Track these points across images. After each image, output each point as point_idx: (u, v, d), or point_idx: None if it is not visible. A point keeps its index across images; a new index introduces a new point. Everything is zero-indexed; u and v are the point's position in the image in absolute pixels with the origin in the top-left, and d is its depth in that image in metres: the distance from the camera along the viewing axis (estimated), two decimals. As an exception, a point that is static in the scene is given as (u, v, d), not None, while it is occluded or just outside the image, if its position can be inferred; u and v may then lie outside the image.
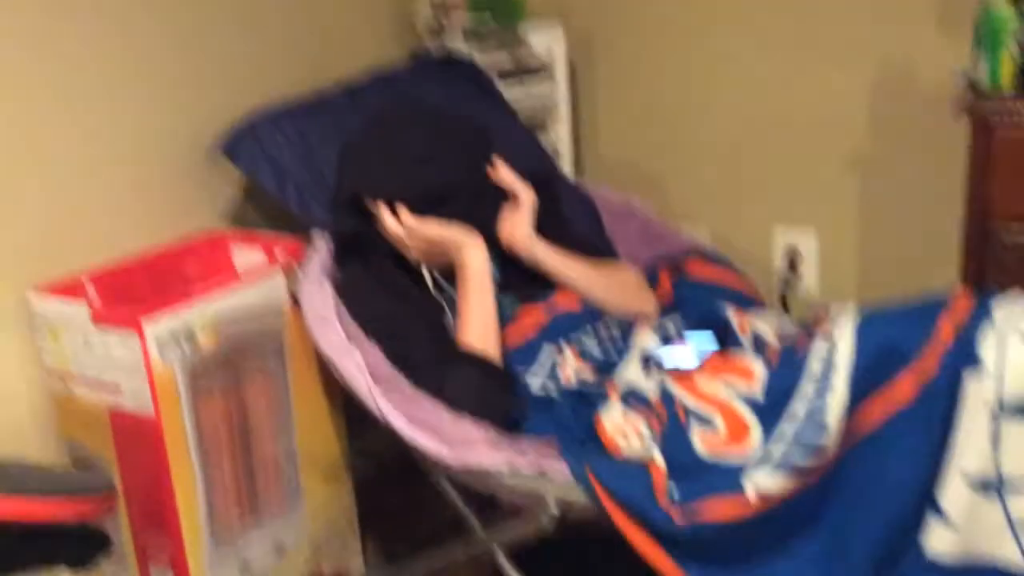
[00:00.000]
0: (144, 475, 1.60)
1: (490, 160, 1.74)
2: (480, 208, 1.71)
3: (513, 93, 2.19)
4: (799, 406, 1.35)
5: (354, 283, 1.71)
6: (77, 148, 1.72)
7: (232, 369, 1.68)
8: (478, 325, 1.63)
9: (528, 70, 2.23)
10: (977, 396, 1.27)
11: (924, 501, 1.30)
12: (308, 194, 1.83)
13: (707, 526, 1.32)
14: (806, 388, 1.36)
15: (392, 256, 1.71)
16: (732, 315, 1.66)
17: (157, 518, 1.62)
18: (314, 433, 1.84)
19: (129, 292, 1.73)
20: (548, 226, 1.79)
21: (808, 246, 2.28)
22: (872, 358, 1.32)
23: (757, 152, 2.29)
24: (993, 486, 1.26)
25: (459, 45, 2.17)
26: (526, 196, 1.73)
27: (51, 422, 1.71)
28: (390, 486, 2.18)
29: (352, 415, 1.89)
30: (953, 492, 1.28)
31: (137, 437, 1.59)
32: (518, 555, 1.65)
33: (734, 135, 2.30)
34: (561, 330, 1.68)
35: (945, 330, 1.31)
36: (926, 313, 1.34)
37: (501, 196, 1.74)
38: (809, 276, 2.30)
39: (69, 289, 1.66)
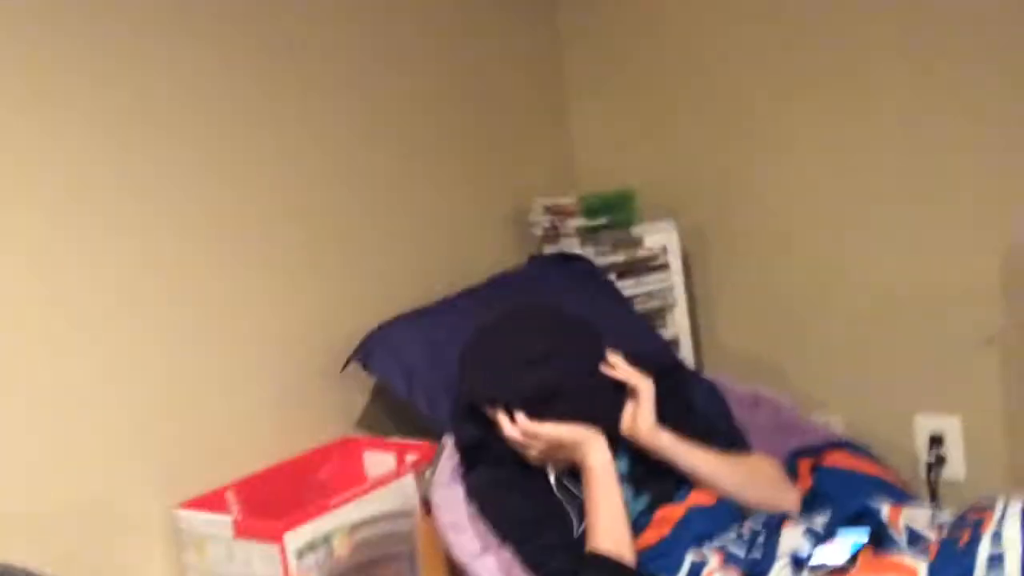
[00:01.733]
0: None
1: (604, 356, 1.74)
2: (599, 405, 1.71)
3: (629, 289, 2.24)
4: None
5: (484, 487, 1.72)
6: (218, 365, 1.83)
7: (367, 574, 1.69)
8: (608, 526, 1.61)
9: (644, 268, 2.28)
10: None
11: None
12: (437, 396, 1.89)
13: None
14: None
15: (517, 462, 1.72)
16: (885, 509, 1.60)
17: None
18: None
19: (268, 502, 1.79)
20: (674, 416, 1.76)
21: (952, 430, 2.19)
22: None
23: (888, 336, 2.22)
24: None
25: (575, 249, 2.24)
26: (645, 387, 1.72)
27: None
28: None
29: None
30: None
31: (276, 648, 1.61)
32: None
33: (861, 319, 2.25)
34: (700, 528, 1.63)
35: None
36: None
37: (620, 391, 1.73)
38: (955, 462, 2.20)
39: (211, 503, 1.73)
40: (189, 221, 1.80)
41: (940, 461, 2.19)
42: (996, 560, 1.29)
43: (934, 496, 2.18)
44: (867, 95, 2.17)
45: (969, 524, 1.41)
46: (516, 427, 1.67)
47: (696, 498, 1.68)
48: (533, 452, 1.69)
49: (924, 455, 2.21)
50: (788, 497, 1.73)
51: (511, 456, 1.71)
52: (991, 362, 2.11)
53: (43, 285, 1.60)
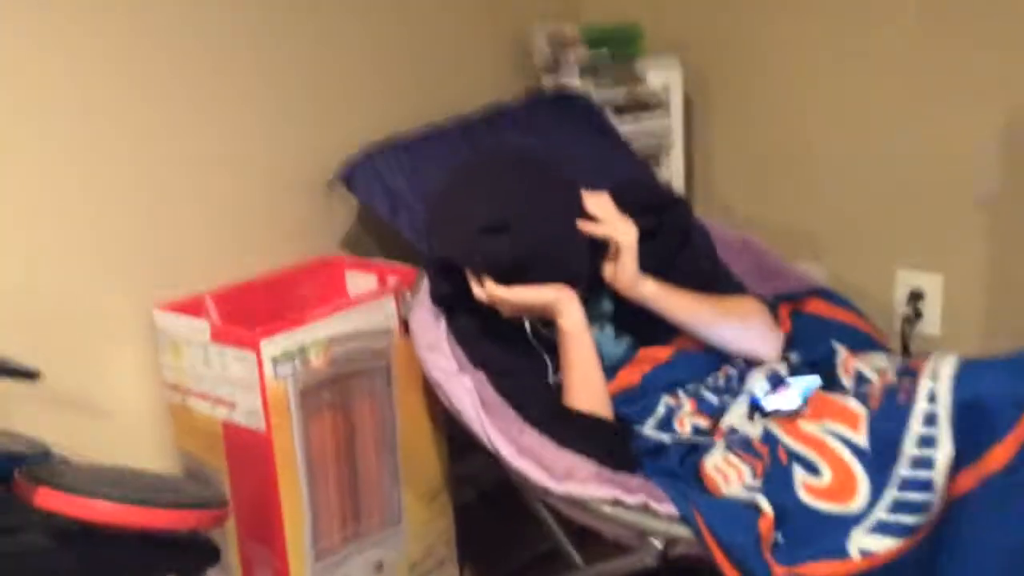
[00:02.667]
0: (253, 488, 1.65)
1: (578, 212, 1.64)
2: (571, 266, 1.63)
3: (628, 128, 2.20)
4: (904, 460, 1.32)
5: (460, 334, 1.71)
6: (205, 179, 1.81)
7: (341, 389, 1.72)
8: (582, 385, 1.60)
9: (644, 105, 2.23)
10: None
11: None
12: (420, 221, 1.87)
13: None
14: (910, 440, 1.32)
15: (493, 310, 1.67)
16: (841, 355, 1.62)
17: (263, 531, 1.67)
18: (417, 456, 1.87)
19: (247, 312, 1.79)
20: (669, 251, 1.74)
21: (933, 288, 2.21)
22: (965, 416, 1.28)
23: (879, 192, 2.23)
24: None
25: (575, 81, 2.19)
26: (627, 241, 1.63)
27: (166, 433, 1.78)
28: (489, 513, 2.19)
29: (454, 441, 1.92)
30: None
31: (248, 451, 1.64)
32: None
33: (855, 174, 2.25)
34: (680, 374, 1.65)
35: None
36: None
37: (599, 247, 1.65)
38: (932, 318, 2.23)
39: (191, 307, 1.73)
40: (178, 40, 1.74)
41: (917, 316, 2.21)
42: (932, 419, 1.30)
43: (906, 350, 2.21)
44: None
45: (911, 377, 1.42)
46: (483, 290, 1.62)
47: (683, 343, 1.69)
48: (504, 311, 1.65)
49: (902, 308, 2.23)
50: (773, 346, 1.72)
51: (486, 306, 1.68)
52: (980, 225, 2.11)
53: (29, 99, 1.57)
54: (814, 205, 2.32)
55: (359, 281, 1.95)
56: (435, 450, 1.91)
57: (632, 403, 1.64)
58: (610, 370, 1.67)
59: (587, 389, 1.60)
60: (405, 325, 1.79)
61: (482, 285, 1.61)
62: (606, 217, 1.64)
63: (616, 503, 1.46)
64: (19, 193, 1.58)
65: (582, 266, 1.63)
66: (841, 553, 1.29)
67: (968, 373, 1.32)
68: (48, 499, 1.13)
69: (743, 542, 1.35)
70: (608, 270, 1.66)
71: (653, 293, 1.66)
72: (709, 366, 1.68)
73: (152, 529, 1.19)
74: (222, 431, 1.67)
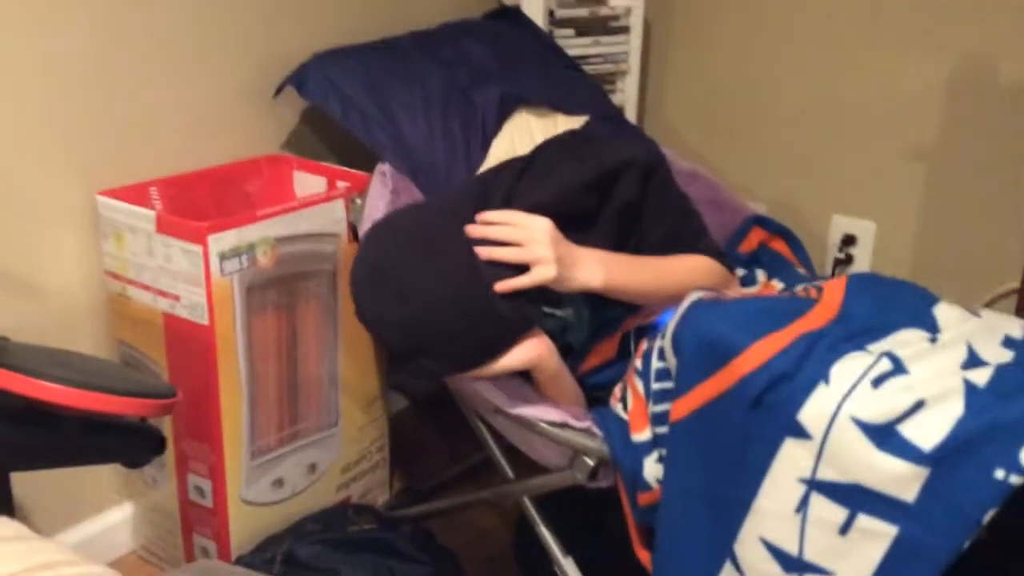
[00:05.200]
0: (192, 383, 1.64)
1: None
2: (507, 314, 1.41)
3: (587, 48, 2.19)
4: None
5: None
6: (154, 61, 1.75)
7: (286, 289, 1.71)
8: (561, 399, 1.55)
9: (604, 27, 2.22)
10: (791, 462, 1.23)
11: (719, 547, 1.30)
12: (373, 123, 1.84)
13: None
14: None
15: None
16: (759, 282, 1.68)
17: (201, 426, 1.66)
18: (357, 362, 1.87)
19: (192, 205, 1.76)
20: (649, 222, 1.63)
21: (865, 233, 2.27)
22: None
23: (822, 135, 2.27)
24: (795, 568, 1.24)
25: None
26: (536, 261, 1.42)
27: (105, 322, 1.76)
28: (422, 422, 2.22)
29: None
30: (751, 555, 1.27)
31: (189, 344, 1.63)
32: (541, 505, 1.67)
33: (800, 116, 2.29)
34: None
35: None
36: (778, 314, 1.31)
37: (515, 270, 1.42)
38: (861, 262, 2.30)
39: (135, 195, 1.69)
40: None
41: (848, 259, 2.28)
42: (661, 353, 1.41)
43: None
44: None
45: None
46: None
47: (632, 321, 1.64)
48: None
49: (834, 251, 2.29)
50: (721, 288, 1.66)
51: None
52: (914, 175, 2.17)
53: None
54: (760, 142, 2.35)
55: (308, 182, 1.92)
56: (374, 359, 1.92)
57: (605, 370, 1.62)
58: (584, 352, 1.64)
59: (564, 399, 1.55)
60: (353, 231, 1.78)
61: None
62: (511, 237, 1.43)
63: (564, 426, 1.48)
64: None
65: (518, 310, 1.42)
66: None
67: (691, 314, 1.36)
68: (6, 381, 1.12)
69: (618, 439, 1.42)
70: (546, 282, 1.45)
71: (601, 288, 1.50)
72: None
73: (104, 414, 1.18)
74: (163, 323, 1.65)
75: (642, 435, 1.39)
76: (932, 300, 1.40)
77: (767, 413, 1.25)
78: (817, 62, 2.24)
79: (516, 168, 1.58)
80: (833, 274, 2.29)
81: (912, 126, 2.16)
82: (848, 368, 1.24)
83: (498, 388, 1.51)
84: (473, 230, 1.42)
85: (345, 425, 1.88)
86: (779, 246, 1.94)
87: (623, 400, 1.46)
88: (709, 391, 1.30)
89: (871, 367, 1.24)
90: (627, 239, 1.61)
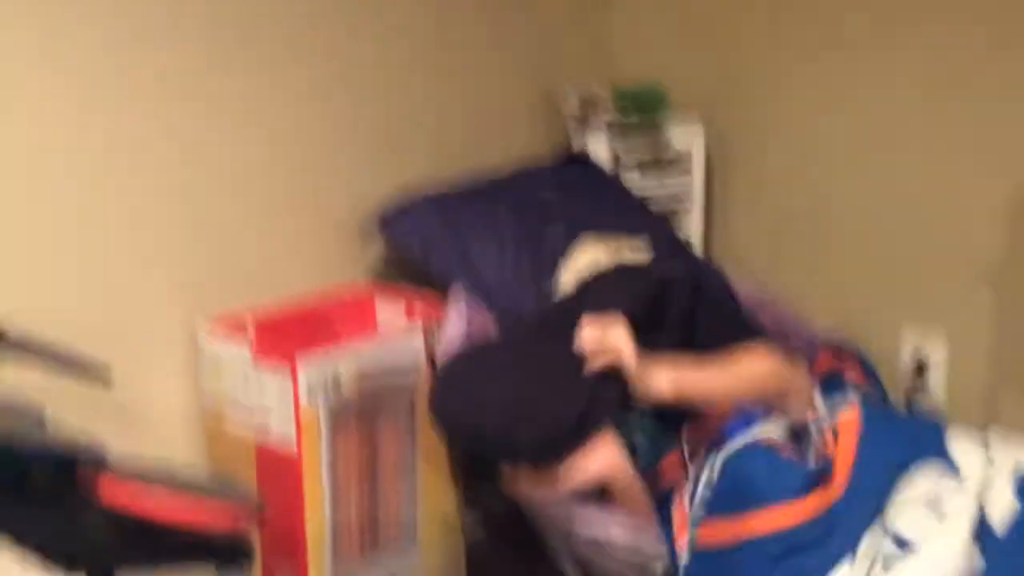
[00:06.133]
0: (280, 504, 1.75)
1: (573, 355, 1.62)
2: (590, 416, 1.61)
3: (650, 184, 2.31)
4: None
5: None
6: (252, 199, 1.94)
7: (368, 417, 1.82)
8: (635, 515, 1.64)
9: (667, 165, 2.34)
10: None
11: None
12: (451, 263, 1.99)
13: None
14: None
15: None
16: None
17: (287, 544, 1.77)
18: (435, 485, 1.96)
19: (283, 334, 1.89)
20: (677, 338, 1.74)
21: (937, 355, 2.27)
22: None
23: (888, 256, 2.30)
24: None
25: (603, 141, 2.30)
26: (621, 356, 1.62)
27: (201, 451, 1.89)
28: (502, 550, 2.25)
29: (472, 478, 2.01)
30: None
31: (278, 469, 1.75)
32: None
33: (865, 237, 2.32)
34: None
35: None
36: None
37: (610, 381, 1.62)
38: (937, 384, 2.29)
39: (231, 326, 1.84)
40: (236, 66, 1.89)
41: (922, 380, 2.28)
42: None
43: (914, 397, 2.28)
44: (895, 28, 2.20)
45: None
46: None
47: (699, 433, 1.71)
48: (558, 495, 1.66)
49: (908, 376, 2.29)
50: (789, 382, 1.75)
51: None
52: (987, 292, 2.18)
53: (79, 110, 1.69)
54: (826, 266, 2.39)
55: (389, 310, 2.05)
56: (451, 482, 2.01)
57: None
58: (653, 465, 1.70)
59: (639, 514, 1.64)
60: (431, 359, 1.90)
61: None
62: (597, 346, 1.63)
63: (636, 543, 1.57)
64: (73, 210, 1.70)
65: (599, 413, 1.61)
66: None
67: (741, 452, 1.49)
68: (119, 499, 1.25)
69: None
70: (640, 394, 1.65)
71: (671, 392, 1.64)
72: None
73: (199, 523, 1.30)
74: (255, 450, 1.78)
75: (683, 541, 1.46)
76: (942, 435, 1.50)
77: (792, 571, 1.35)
78: (878, 182, 2.26)
79: (575, 296, 1.71)
80: (908, 397, 2.29)
81: (978, 241, 2.18)
82: (869, 545, 1.35)
83: (573, 511, 1.58)
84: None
85: (423, 546, 1.96)
86: (853, 372, 1.98)
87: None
88: (732, 531, 1.41)
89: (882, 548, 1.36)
90: (690, 347, 1.72)
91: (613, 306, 1.68)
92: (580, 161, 2.30)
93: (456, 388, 1.65)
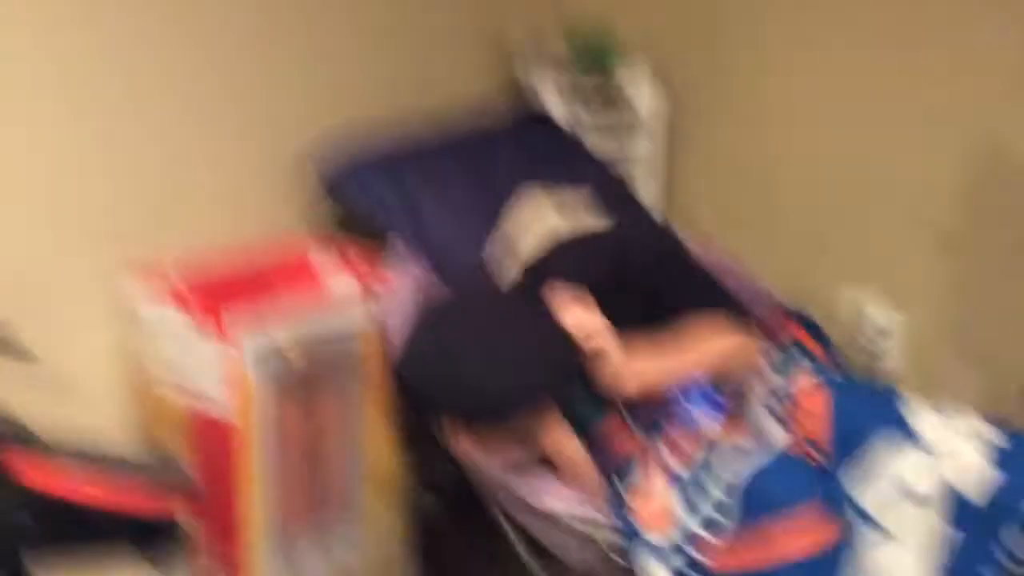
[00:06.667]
0: (216, 477, 1.66)
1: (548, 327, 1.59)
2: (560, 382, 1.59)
3: (601, 121, 2.25)
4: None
5: None
6: (186, 142, 1.81)
7: (311, 386, 1.73)
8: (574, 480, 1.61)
9: (624, 124, 2.28)
10: None
11: None
12: (399, 222, 1.90)
13: None
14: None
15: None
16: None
17: (223, 519, 1.67)
18: (380, 457, 1.88)
19: (220, 294, 1.77)
20: (673, 304, 1.72)
21: (890, 321, 2.25)
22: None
23: (842, 222, 2.28)
24: None
25: (549, 82, 2.22)
26: (609, 346, 1.60)
27: (133, 417, 1.78)
28: (452, 522, 2.19)
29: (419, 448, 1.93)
30: None
31: (215, 440, 1.65)
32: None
33: (821, 201, 2.29)
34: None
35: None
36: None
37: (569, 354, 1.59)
38: (889, 352, 2.28)
39: (160, 277, 1.71)
40: (158, 11, 1.75)
41: (875, 355, 2.27)
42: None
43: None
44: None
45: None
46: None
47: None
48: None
49: (864, 342, 2.28)
50: (746, 357, 1.73)
51: None
52: (942, 260, 2.16)
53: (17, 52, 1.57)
54: (779, 229, 2.36)
55: (328, 263, 1.92)
56: (397, 456, 1.93)
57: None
58: (592, 431, 1.65)
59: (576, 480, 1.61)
60: (378, 324, 1.81)
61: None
62: (581, 330, 1.60)
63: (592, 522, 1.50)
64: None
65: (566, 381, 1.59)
66: None
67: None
68: (37, 478, 1.15)
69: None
70: (607, 380, 1.61)
71: (636, 392, 1.62)
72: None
73: (123, 505, 1.20)
74: (191, 419, 1.67)
75: (660, 538, 1.39)
76: (901, 403, 1.46)
77: None
78: (841, 151, 2.25)
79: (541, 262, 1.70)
80: (861, 368, 2.27)
81: (931, 204, 2.15)
82: None
83: (524, 480, 1.52)
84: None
85: (368, 521, 1.88)
86: (800, 335, 1.94)
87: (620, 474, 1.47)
88: (752, 556, 1.34)
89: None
90: (653, 312, 1.69)
91: (580, 273, 1.65)
92: (536, 120, 2.21)
93: (433, 335, 1.59)
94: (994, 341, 2.14)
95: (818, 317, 2.06)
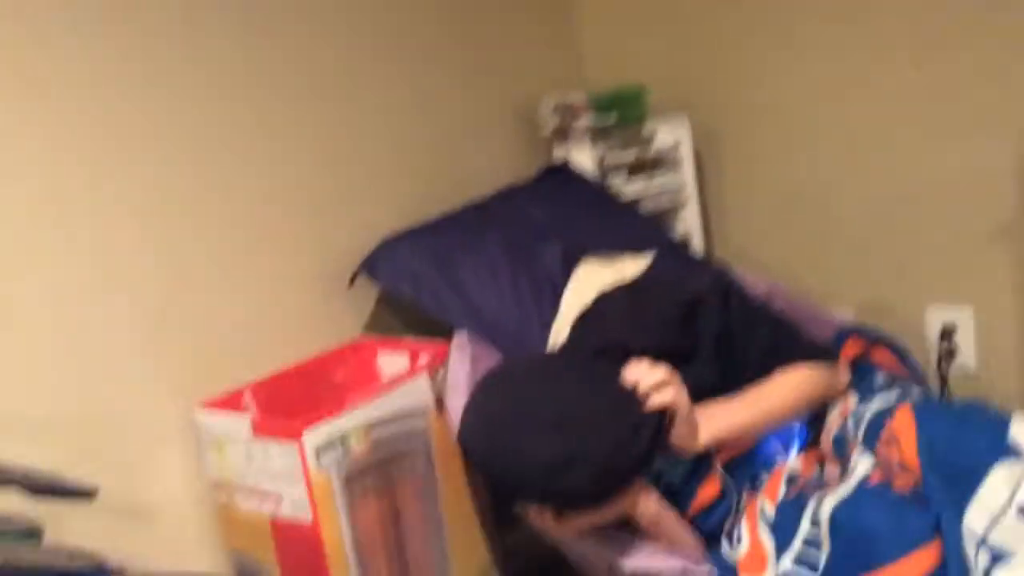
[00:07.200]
0: (305, 580, 1.66)
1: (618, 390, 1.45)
2: (644, 455, 1.44)
3: (640, 187, 2.23)
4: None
5: None
6: (229, 272, 1.84)
7: (383, 472, 1.72)
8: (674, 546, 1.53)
9: (655, 164, 2.27)
10: None
11: None
12: (444, 298, 1.89)
13: None
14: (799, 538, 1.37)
15: None
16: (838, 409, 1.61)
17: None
18: (464, 533, 1.86)
19: (285, 403, 1.81)
20: (713, 369, 1.61)
21: (964, 322, 2.20)
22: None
23: (899, 230, 2.24)
24: None
25: (585, 147, 2.22)
26: (680, 402, 1.46)
27: (215, 533, 1.79)
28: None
29: (501, 513, 1.91)
30: None
31: (297, 543, 1.65)
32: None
33: (873, 215, 2.26)
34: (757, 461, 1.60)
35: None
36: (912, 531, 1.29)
37: (651, 423, 1.44)
38: (967, 353, 2.22)
39: (230, 403, 1.75)
40: (204, 132, 1.79)
41: (951, 353, 2.21)
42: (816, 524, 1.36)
43: (944, 385, 2.20)
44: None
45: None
46: (550, 523, 1.52)
47: (728, 452, 1.61)
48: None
49: (936, 346, 2.22)
50: (823, 389, 1.64)
51: None
52: (1004, 252, 2.11)
53: (52, 196, 1.60)
54: (836, 250, 2.32)
55: (391, 361, 1.97)
56: (482, 526, 1.91)
57: (713, 512, 1.57)
58: (688, 491, 1.58)
59: (677, 544, 1.53)
60: (440, 402, 1.80)
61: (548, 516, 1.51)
62: (652, 383, 1.46)
63: (685, 572, 1.45)
64: (55, 303, 1.60)
65: (650, 454, 1.45)
66: None
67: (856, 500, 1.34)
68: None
69: None
70: (676, 442, 1.50)
71: (710, 443, 1.53)
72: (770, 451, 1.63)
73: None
74: (270, 526, 1.68)
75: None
76: (1005, 424, 1.35)
77: None
78: (872, 155, 2.23)
79: (593, 325, 1.64)
80: (939, 370, 2.21)
81: (989, 202, 2.11)
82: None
83: (610, 545, 1.49)
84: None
85: (462, 601, 1.86)
86: (881, 355, 1.88)
87: (731, 535, 1.42)
88: None
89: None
90: (729, 368, 1.61)
91: (644, 335, 1.56)
92: (558, 170, 2.21)
93: (490, 427, 1.45)
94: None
95: (897, 336, 2.02)
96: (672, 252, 2.05)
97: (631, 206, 2.18)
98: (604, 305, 1.68)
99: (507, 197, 2.12)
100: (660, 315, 1.60)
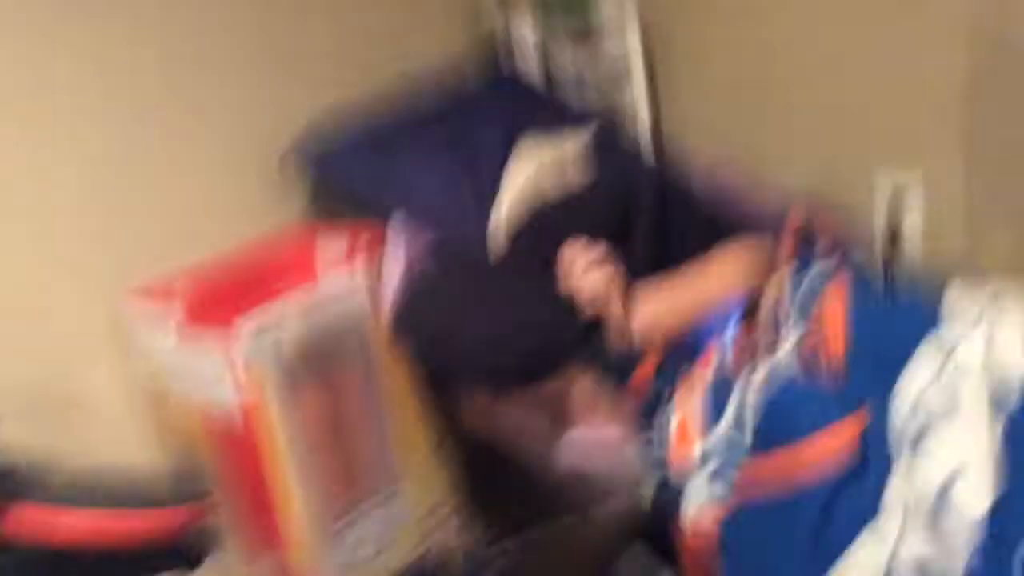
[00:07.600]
0: (245, 478, 1.65)
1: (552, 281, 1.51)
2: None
3: (584, 57, 2.16)
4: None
5: None
6: (169, 152, 1.79)
7: (321, 363, 1.70)
8: None
9: (598, 32, 2.19)
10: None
11: None
12: (381, 187, 1.86)
13: None
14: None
15: None
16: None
17: (261, 517, 1.67)
18: (407, 419, 1.86)
19: (218, 291, 1.76)
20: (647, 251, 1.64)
21: (914, 188, 2.18)
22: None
23: (847, 92, 2.19)
24: None
25: (526, 16, 2.14)
26: (613, 275, 1.52)
27: (148, 425, 1.77)
28: (491, 476, 2.18)
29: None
30: None
31: (230, 436, 1.63)
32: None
33: (821, 78, 2.20)
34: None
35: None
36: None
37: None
38: (915, 214, 2.20)
39: (161, 293, 1.70)
40: (126, 17, 1.72)
41: (899, 213, 2.20)
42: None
43: (894, 245, 2.19)
44: None
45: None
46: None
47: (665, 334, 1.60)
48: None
49: (884, 209, 2.20)
50: (767, 266, 1.64)
51: None
52: (953, 116, 2.07)
53: None
54: (783, 114, 2.28)
55: (328, 249, 1.91)
56: (425, 411, 1.90)
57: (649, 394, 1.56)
58: (624, 373, 1.58)
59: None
60: (376, 290, 1.77)
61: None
62: (588, 261, 1.53)
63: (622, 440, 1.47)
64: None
65: (587, 333, 1.49)
66: None
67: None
68: (20, 526, 1.12)
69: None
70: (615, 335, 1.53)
71: (646, 323, 1.54)
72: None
73: (132, 539, 1.18)
74: (202, 420, 1.66)
75: (685, 464, 1.35)
76: (936, 310, 1.34)
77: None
78: (837, 41, 2.16)
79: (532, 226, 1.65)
80: (888, 227, 2.19)
81: (940, 68, 2.06)
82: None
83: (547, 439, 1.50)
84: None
85: (409, 486, 1.87)
86: (825, 223, 1.86)
87: (659, 429, 1.42)
88: (779, 470, 1.26)
89: None
90: (664, 250, 1.62)
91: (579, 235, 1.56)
92: (509, 83, 2.16)
93: (427, 312, 1.54)
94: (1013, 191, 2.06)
95: (851, 208, 1.99)
96: (612, 127, 2.00)
97: (579, 109, 2.13)
98: (538, 220, 1.67)
99: (461, 106, 2.05)
100: (595, 208, 1.64)
